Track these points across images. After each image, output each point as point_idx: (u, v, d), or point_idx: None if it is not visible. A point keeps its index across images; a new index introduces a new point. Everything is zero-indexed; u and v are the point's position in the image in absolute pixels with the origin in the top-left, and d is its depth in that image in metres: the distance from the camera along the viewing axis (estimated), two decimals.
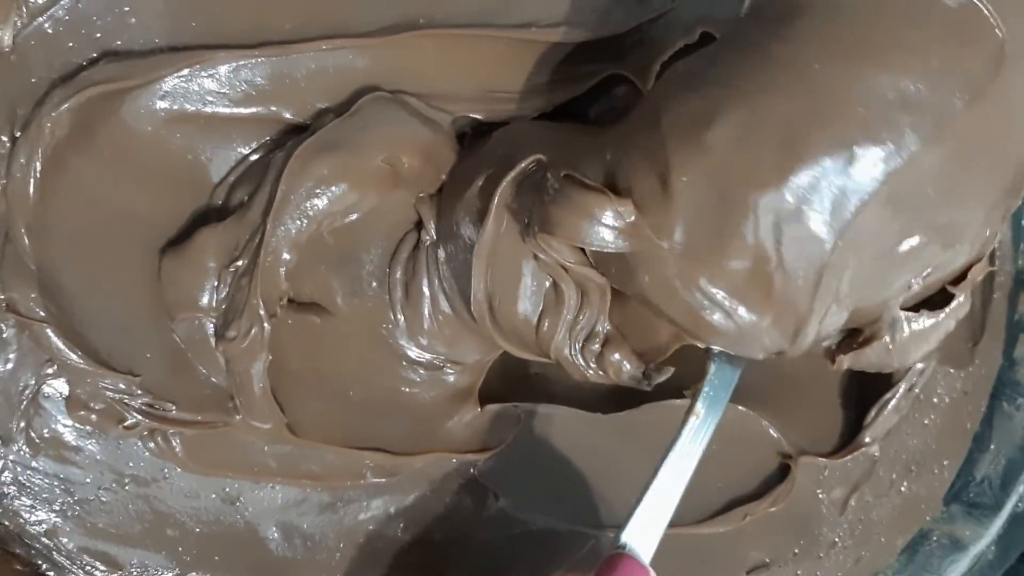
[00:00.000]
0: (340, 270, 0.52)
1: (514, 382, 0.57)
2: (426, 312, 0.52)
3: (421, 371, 0.54)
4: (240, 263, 0.49)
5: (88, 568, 0.53)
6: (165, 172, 0.52)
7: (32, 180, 0.49)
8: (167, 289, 0.51)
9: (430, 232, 0.51)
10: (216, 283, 0.50)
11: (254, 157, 0.52)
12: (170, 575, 0.54)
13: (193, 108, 0.51)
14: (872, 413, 0.57)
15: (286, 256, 0.49)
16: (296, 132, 0.52)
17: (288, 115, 0.52)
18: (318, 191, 0.49)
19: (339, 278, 0.52)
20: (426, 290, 0.52)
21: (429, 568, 0.56)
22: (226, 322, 0.50)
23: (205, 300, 0.50)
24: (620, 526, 0.42)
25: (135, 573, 0.53)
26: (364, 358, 0.54)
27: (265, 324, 0.49)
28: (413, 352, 0.54)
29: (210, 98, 0.51)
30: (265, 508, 0.54)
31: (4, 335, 0.51)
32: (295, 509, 0.54)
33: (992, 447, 0.61)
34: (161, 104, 0.51)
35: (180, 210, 0.52)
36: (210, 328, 0.51)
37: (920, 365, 0.57)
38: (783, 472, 0.57)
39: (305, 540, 0.54)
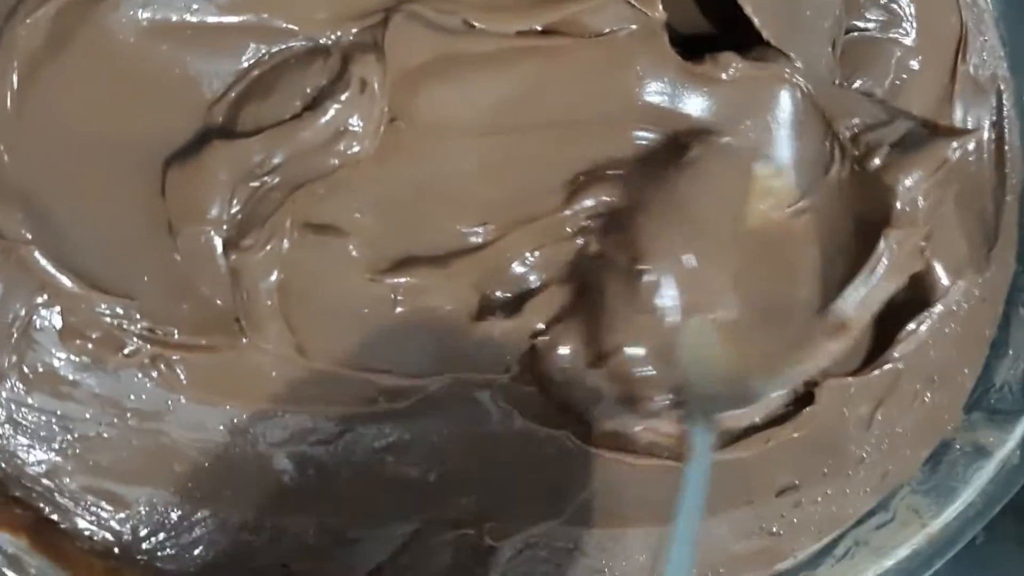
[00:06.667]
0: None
1: None
2: None
3: None
4: (273, 180, 0.49)
5: (93, 508, 0.51)
6: (153, 88, 0.49)
7: (9, 94, 0.47)
8: (172, 202, 0.49)
9: None
10: (229, 196, 0.49)
11: (256, 72, 0.50)
12: (180, 512, 0.52)
13: (177, 17, 0.49)
14: (906, 331, 0.57)
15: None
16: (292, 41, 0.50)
17: (282, 23, 0.50)
18: None
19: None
20: None
21: (449, 494, 0.54)
22: (242, 231, 0.48)
23: (215, 212, 0.49)
24: None
25: (143, 512, 0.51)
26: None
27: (285, 240, 0.48)
28: None
29: (195, 5, 0.49)
30: (276, 439, 0.52)
31: None
32: (307, 439, 0.53)
33: (1010, 352, 0.61)
34: (143, 13, 0.49)
35: (176, 127, 0.50)
36: (217, 242, 0.49)
37: (952, 282, 0.59)
38: (808, 396, 0.57)
39: (319, 471, 0.53)
